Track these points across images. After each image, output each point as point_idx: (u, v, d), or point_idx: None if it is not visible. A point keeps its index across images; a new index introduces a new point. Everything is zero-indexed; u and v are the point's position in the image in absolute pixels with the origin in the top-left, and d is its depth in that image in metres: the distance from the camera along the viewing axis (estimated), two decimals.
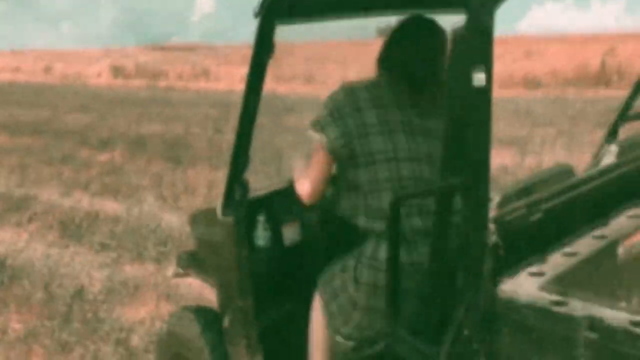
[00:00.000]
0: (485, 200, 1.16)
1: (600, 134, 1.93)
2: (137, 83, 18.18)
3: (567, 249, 1.27)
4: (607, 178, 1.50)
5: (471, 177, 1.14)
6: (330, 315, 1.57)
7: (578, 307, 1.03)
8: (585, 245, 1.30)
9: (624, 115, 1.90)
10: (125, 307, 3.26)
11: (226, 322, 1.82)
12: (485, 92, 1.09)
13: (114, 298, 3.37)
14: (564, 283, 1.15)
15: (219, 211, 1.74)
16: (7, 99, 14.40)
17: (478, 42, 1.10)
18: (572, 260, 1.23)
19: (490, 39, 1.10)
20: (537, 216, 1.28)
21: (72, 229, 4.59)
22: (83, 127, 9.88)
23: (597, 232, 1.36)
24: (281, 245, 1.90)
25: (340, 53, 24.09)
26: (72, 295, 3.40)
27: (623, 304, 1.28)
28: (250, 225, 1.84)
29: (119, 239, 4.31)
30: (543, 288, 1.11)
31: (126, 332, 2.95)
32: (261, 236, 1.86)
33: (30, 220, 4.88)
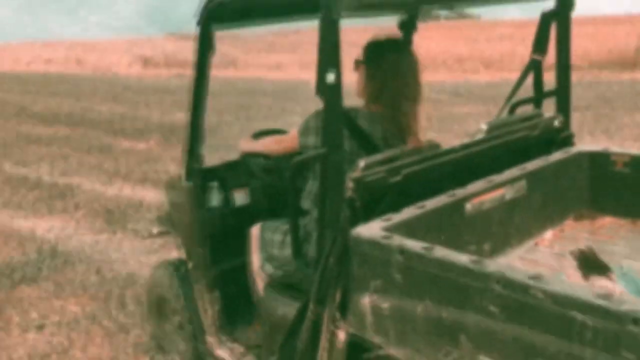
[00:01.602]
0: (340, 164, 1.56)
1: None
2: (165, 72, 18.38)
3: (420, 204, 1.61)
4: (467, 151, 1.85)
5: (330, 146, 1.54)
6: (263, 258, 2.03)
7: (396, 240, 1.39)
8: (435, 201, 1.63)
9: (511, 98, 2.14)
10: None
11: (190, 267, 2.28)
12: (335, 86, 1.50)
13: None
14: (408, 228, 1.51)
15: (182, 178, 2.17)
16: (44, 90, 14.73)
17: (329, 50, 1.49)
18: (419, 212, 1.58)
19: (338, 47, 1.49)
20: (396, 179, 1.64)
21: (117, 216, 4.75)
22: (118, 116, 10.09)
23: (450, 192, 1.69)
24: (231, 207, 2.29)
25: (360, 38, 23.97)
26: (125, 279, 3.54)
27: (473, 247, 1.70)
28: (206, 190, 2.24)
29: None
30: (384, 229, 1.46)
31: None
32: (214, 199, 2.26)
33: (75, 208, 5.05)
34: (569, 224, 2.01)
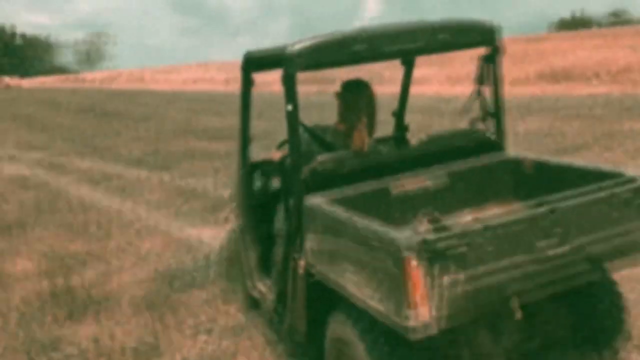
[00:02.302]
0: (298, 160, 2.42)
1: None
2: (307, 89, 19.02)
3: (357, 187, 2.46)
4: (404, 154, 2.77)
5: (291, 152, 2.44)
6: (277, 218, 2.98)
7: (321, 205, 2.28)
8: (367, 185, 2.48)
9: (463, 116, 2.87)
10: None
11: (240, 228, 3.25)
12: (293, 112, 2.39)
13: None
14: (343, 202, 2.29)
15: (237, 169, 3.21)
16: (206, 108, 16.12)
17: (288, 91, 2.38)
18: (353, 191, 2.43)
19: (295, 89, 2.39)
20: (342, 170, 2.48)
21: None
22: (266, 132, 10.63)
23: (382, 181, 2.51)
24: (269, 189, 3.19)
25: (517, 50, 22.67)
26: None
27: (398, 217, 2.43)
28: (251, 177, 3.17)
29: None
30: (323, 201, 2.31)
31: None
32: (256, 183, 3.20)
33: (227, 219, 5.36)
34: (488, 208, 2.64)
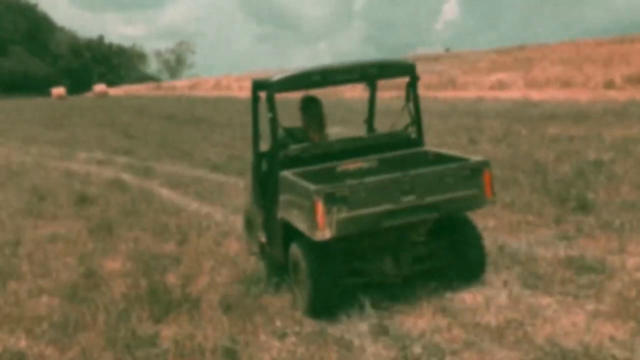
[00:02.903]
0: (276, 150, 3.99)
1: None
2: (381, 95, 19.01)
3: (315, 166, 4.00)
4: (351, 145, 4.15)
5: (272, 144, 4.03)
6: (269, 188, 4.25)
7: (286, 175, 3.83)
8: (321, 165, 4.00)
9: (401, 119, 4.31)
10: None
11: (252, 198, 4.65)
12: (273, 119, 3.94)
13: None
14: (304, 175, 3.79)
15: (251, 157, 4.49)
16: (281, 113, 16.51)
17: (270, 106, 3.93)
18: (312, 168, 3.98)
19: (274, 102, 3.93)
20: (306, 155, 4.03)
21: None
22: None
23: (332, 163, 4.03)
24: (275, 171, 4.01)
25: (602, 53, 21.48)
26: None
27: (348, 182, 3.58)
28: (260, 162, 4.35)
29: None
30: (289, 174, 3.81)
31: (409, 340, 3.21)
32: (264, 167, 4.32)
33: None
34: None
